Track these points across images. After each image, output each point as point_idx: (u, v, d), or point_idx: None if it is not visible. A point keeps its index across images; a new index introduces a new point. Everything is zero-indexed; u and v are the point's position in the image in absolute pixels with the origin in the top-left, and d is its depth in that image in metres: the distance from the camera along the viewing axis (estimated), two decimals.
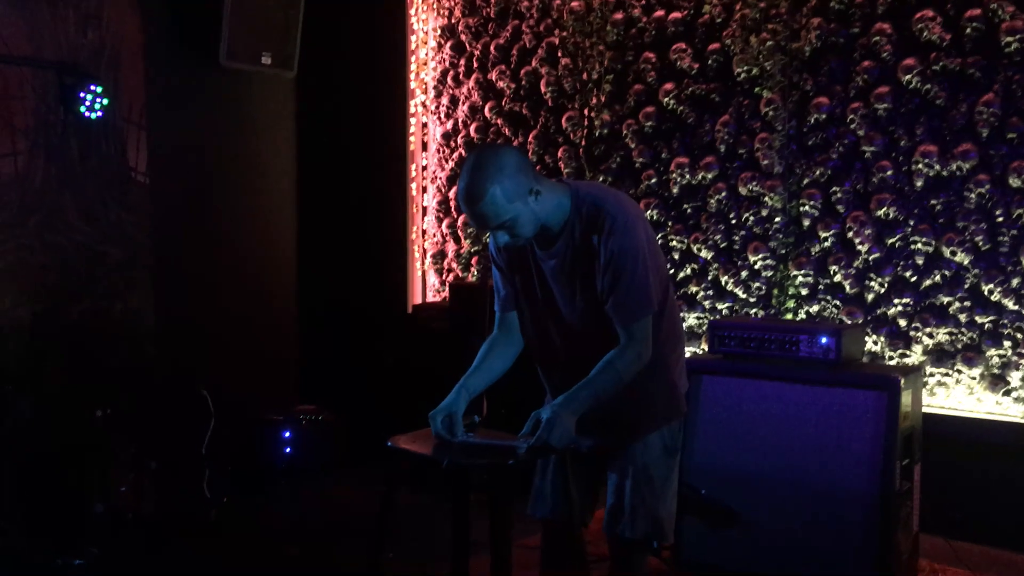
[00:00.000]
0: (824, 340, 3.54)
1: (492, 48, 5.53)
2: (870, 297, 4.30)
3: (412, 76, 5.85)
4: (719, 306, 4.73)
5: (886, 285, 4.27)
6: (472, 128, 5.66)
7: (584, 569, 2.45)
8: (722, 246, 4.71)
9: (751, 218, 4.60)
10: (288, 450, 5.20)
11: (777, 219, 4.54)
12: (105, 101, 4.39)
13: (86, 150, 4.68)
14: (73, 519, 4.09)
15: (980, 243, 4.02)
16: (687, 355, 3.53)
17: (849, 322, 4.28)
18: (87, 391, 4.48)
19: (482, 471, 2.35)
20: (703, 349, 4.74)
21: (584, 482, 2.63)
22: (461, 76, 5.70)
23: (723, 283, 4.71)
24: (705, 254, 4.76)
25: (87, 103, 4.32)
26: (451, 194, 5.80)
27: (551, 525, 2.70)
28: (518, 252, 2.52)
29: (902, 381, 3.38)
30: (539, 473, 2.69)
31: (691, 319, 4.80)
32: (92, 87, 4.32)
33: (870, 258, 4.29)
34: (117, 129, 4.81)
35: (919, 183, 4.15)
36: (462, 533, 2.59)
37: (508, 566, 2.30)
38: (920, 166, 4.14)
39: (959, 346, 4.10)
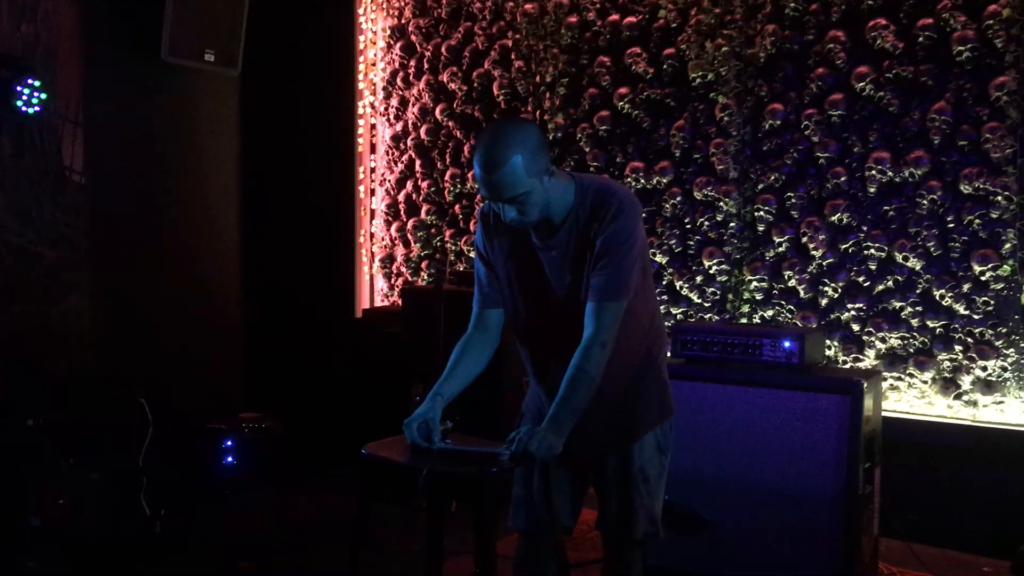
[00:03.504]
0: (787, 344, 3.54)
1: (443, 49, 5.46)
2: (824, 302, 4.35)
3: (361, 77, 5.75)
4: (674, 311, 4.73)
5: (839, 290, 4.31)
6: (423, 130, 5.57)
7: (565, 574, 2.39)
8: (677, 251, 4.71)
9: (706, 223, 4.62)
10: (230, 460, 5.04)
11: (732, 224, 4.56)
12: (43, 96, 4.18)
13: (19, 147, 4.46)
14: (8, 534, 3.88)
15: (932, 248, 4.09)
16: None
17: (802, 326, 4.32)
18: (20, 399, 4.27)
19: (464, 479, 2.28)
20: None
21: (569, 488, 2.59)
22: (411, 77, 5.62)
23: (678, 288, 4.71)
24: (660, 259, 4.75)
25: (24, 97, 4.11)
26: (400, 197, 5.71)
27: (528, 536, 2.64)
28: (516, 241, 2.48)
29: (864, 385, 3.40)
30: (519, 483, 2.62)
31: None
32: (30, 81, 4.12)
33: (824, 263, 4.34)
34: (52, 126, 4.59)
35: (872, 189, 4.21)
36: (436, 542, 2.51)
37: (494, 574, 2.23)
38: (873, 172, 4.19)
39: (911, 350, 4.17)
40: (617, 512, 2.53)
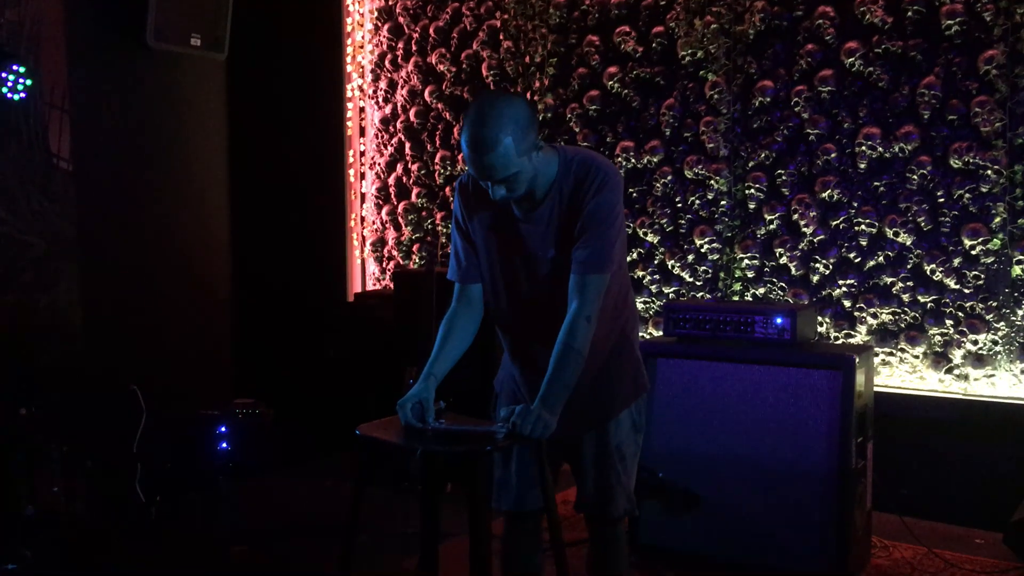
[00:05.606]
0: (779, 321, 3.55)
1: (431, 31, 5.42)
2: (815, 279, 4.35)
3: (348, 59, 5.71)
4: (666, 290, 4.73)
5: (831, 266, 4.32)
6: (412, 113, 5.55)
7: (561, 553, 2.39)
8: (668, 230, 4.71)
9: (697, 201, 4.61)
10: (225, 446, 5.02)
11: (723, 202, 4.55)
12: (28, 82, 4.15)
13: (5, 135, 4.43)
14: (2, 523, 3.87)
15: (922, 224, 4.09)
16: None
17: (794, 303, 4.32)
18: (11, 389, 4.25)
19: (459, 458, 2.27)
20: (651, 333, 4.74)
21: (552, 468, 2.58)
22: (399, 59, 5.58)
23: (670, 267, 4.71)
24: (651, 238, 4.75)
25: (9, 84, 4.08)
26: (391, 180, 5.69)
27: (514, 516, 2.64)
28: (496, 213, 2.44)
29: (856, 360, 3.41)
30: (500, 465, 2.62)
31: (638, 304, 4.78)
32: (15, 67, 4.08)
33: (815, 240, 4.34)
34: (38, 113, 4.55)
35: (862, 165, 4.20)
36: (431, 523, 2.51)
37: (487, 554, 2.23)
38: (863, 148, 4.19)
39: (902, 325, 4.18)
40: (595, 491, 2.53)
